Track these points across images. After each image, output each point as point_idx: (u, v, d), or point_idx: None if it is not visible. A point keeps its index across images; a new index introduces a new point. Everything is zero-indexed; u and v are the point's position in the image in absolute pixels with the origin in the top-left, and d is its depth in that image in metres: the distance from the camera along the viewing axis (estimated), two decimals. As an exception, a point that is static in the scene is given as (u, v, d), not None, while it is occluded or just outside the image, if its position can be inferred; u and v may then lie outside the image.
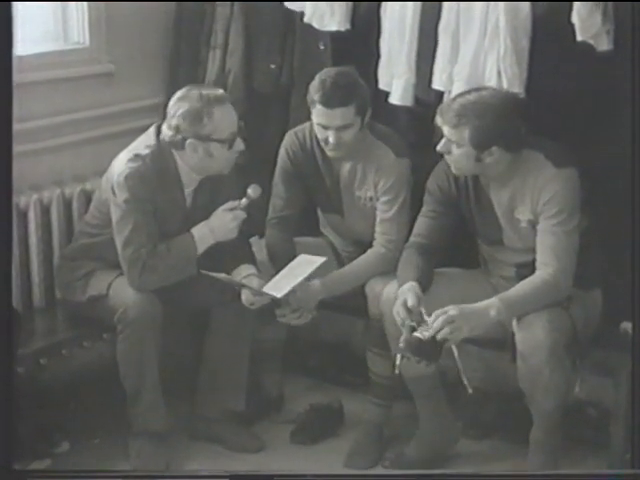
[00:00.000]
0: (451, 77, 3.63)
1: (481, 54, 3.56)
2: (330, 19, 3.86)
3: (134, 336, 3.53)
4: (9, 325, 2.88)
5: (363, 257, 3.74)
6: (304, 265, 3.60)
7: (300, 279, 3.54)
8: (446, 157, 3.39)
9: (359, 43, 3.88)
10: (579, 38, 3.37)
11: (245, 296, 3.61)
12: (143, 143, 3.59)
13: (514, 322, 3.30)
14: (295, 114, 4.06)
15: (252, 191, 3.63)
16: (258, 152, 3.93)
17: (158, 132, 3.58)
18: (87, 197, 3.99)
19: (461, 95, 3.36)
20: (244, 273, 3.65)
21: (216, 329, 3.79)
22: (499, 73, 3.52)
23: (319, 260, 3.60)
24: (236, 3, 4.15)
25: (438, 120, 3.35)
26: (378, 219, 3.73)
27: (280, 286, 3.55)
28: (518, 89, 3.50)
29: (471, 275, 3.63)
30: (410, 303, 3.24)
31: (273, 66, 4.16)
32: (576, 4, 3.34)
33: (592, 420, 3.73)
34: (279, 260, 3.71)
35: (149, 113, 4.17)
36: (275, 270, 3.66)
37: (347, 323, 4.21)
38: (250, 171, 3.82)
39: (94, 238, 3.71)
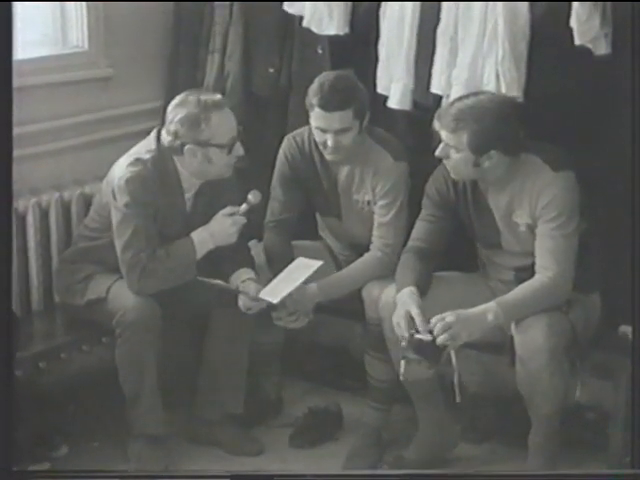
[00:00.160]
0: (449, 81, 3.62)
1: (479, 58, 3.56)
2: (329, 23, 3.86)
3: (133, 339, 3.53)
4: (8, 329, 2.88)
5: (360, 261, 3.74)
6: (301, 269, 3.60)
7: (297, 284, 3.55)
8: (444, 162, 3.39)
9: (358, 47, 3.88)
10: (577, 42, 3.37)
11: (242, 302, 3.61)
12: (144, 147, 3.60)
13: (513, 326, 3.30)
14: (293, 118, 4.06)
15: (252, 197, 3.63)
16: (256, 155, 3.92)
17: (158, 136, 3.58)
18: (86, 201, 3.99)
19: (459, 99, 3.37)
20: (242, 277, 3.66)
21: (215, 332, 3.79)
22: (497, 77, 3.52)
23: (316, 264, 3.60)
24: (235, 7, 4.15)
25: (436, 125, 3.35)
26: (376, 223, 3.73)
27: (277, 291, 3.55)
28: (516, 93, 3.50)
29: (469, 279, 3.63)
30: (413, 314, 3.24)
31: (272, 70, 4.16)
32: (575, 8, 3.34)
33: (591, 423, 3.73)
34: (277, 263, 3.71)
35: (148, 117, 4.18)
36: (272, 273, 3.67)
37: (345, 327, 4.21)
38: (248, 174, 3.82)
39: (93, 242, 3.71)
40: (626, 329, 3.16)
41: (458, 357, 3.24)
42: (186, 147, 3.52)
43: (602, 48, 3.39)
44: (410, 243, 3.54)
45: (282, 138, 3.89)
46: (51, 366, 3.64)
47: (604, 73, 3.42)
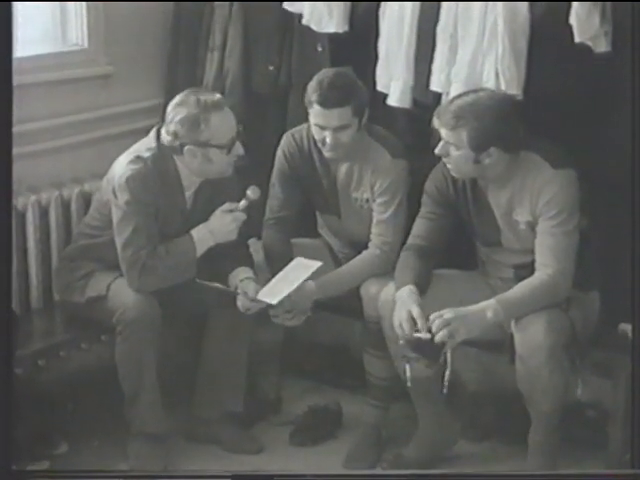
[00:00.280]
0: (449, 79, 3.62)
1: (479, 56, 3.56)
2: (328, 21, 3.86)
3: (133, 337, 3.53)
4: (7, 327, 2.87)
5: (358, 258, 3.74)
6: (300, 270, 3.60)
7: (295, 285, 3.54)
8: (444, 160, 3.39)
9: (357, 45, 3.88)
10: (577, 40, 3.37)
11: (241, 302, 3.61)
12: (144, 145, 3.60)
13: (513, 323, 3.30)
14: (293, 115, 4.06)
15: (251, 192, 3.63)
16: (256, 153, 3.92)
17: (158, 135, 3.58)
18: (85, 199, 3.99)
19: (458, 97, 3.37)
20: (241, 276, 3.65)
21: (214, 331, 3.79)
22: (497, 74, 3.51)
23: (315, 265, 3.60)
24: (235, 4, 4.15)
25: (435, 122, 3.35)
26: (374, 220, 3.73)
27: (275, 292, 3.55)
28: (516, 90, 3.50)
29: (469, 277, 3.63)
30: (415, 314, 3.24)
31: (271, 67, 4.15)
32: (574, 5, 3.34)
33: (591, 421, 3.73)
34: (276, 261, 3.71)
35: (147, 115, 4.18)
36: (271, 271, 3.67)
37: (344, 325, 4.21)
38: (248, 172, 3.82)
39: (94, 239, 3.71)
40: (626, 327, 3.16)
41: (457, 355, 3.24)
42: (186, 147, 3.52)
43: (602, 46, 3.38)
44: (410, 241, 3.54)
45: (282, 136, 3.88)
46: (50, 364, 3.64)
47: (604, 71, 3.42)
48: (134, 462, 3.64)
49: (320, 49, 3.99)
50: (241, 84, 4.19)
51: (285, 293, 3.53)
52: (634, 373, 2.98)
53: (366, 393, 3.80)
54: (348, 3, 3.84)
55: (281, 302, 3.53)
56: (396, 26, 3.73)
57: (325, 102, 3.55)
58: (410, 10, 3.68)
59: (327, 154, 3.69)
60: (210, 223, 3.62)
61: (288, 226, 3.86)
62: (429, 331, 3.18)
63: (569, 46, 3.38)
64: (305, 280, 3.57)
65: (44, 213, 3.92)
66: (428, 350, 3.18)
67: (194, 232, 3.60)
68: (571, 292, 3.32)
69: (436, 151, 3.37)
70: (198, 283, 3.55)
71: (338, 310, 3.91)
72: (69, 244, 3.88)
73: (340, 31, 3.86)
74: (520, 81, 3.51)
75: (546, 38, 3.47)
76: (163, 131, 3.56)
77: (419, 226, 3.53)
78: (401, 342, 3.24)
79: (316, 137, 3.67)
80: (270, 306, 3.56)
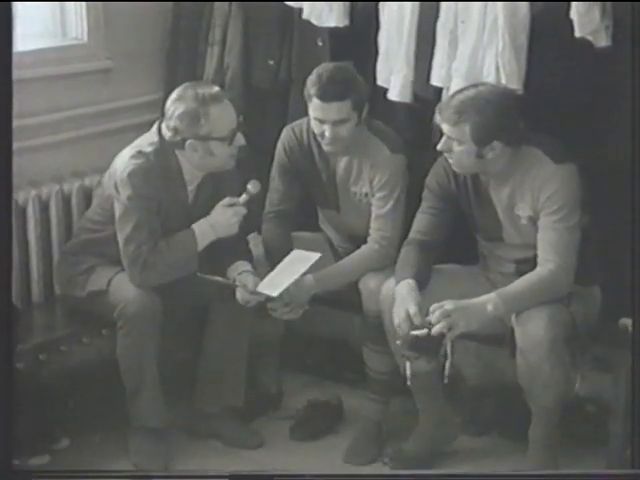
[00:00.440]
0: (450, 73, 3.62)
1: (480, 50, 3.55)
2: (328, 15, 3.86)
3: (134, 332, 3.53)
4: (8, 321, 2.87)
5: (357, 253, 3.74)
6: (299, 262, 3.60)
7: (295, 276, 3.55)
8: (446, 155, 3.38)
9: (357, 39, 3.88)
10: (578, 34, 3.36)
11: (240, 295, 3.61)
12: (146, 140, 3.59)
13: (513, 317, 3.30)
14: (293, 110, 4.05)
15: (252, 186, 3.63)
16: (257, 148, 3.92)
17: (160, 129, 3.58)
18: (86, 193, 3.99)
19: (459, 92, 3.36)
20: (240, 270, 3.65)
21: (214, 325, 3.79)
22: (498, 69, 3.52)
23: (314, 256, 3.60)
24: (234, -1, 4.16)
25: (437, 118, 3.35)
26: (373, 215, 3.73)
27: (275, 284, 3.55)
28: (516, 85, 3.50)
29: (470, 271, 3.63)
30: (411, 313, 3.24)
31: (271, 62, 4.15)
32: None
33: (591, 416, 3.73)
34: (275, 255, 3.71)
35: (147, 109, 4.19)
36: (271, 265, 3.67)
37: (345, 319, 4.21)
38: (249, 167, 3.82)
39: (96, 234, 3.71)
40: (626, 322, 3.16)
41: (457, 349, 3.24)
42: (187, 142, 3.51)
43: (602, 40, 3.38)
44: (411, 236, 3.53)
45: (282, 131, 3.88)
46: (51, 358, 3.64)
47: (604, 66, 3.42)
48: (135, 457, 3.65)
49: (320, 43, 3.98)
50: (241, 79, 4.18)
51: (285, 285, 3.53)
52: (634, 368, 2.97)
53: (366, 387, 3.80)
54: (348, -3, 3.85)
55: (280, 295, 3.53)
56: (396, 20, 3.72)
57: (324, 96, 3.55)
58: (410, 4, 3.68)
59: (326, 148, 3.69)
60: (211, 217, 3.62)
61: (288, 220, 3.87)
62: (429, 324, 3.18)
63: (569, 41, 3.38)
64: (304, 272, 3.57)
65: (45, 207, 3.92)
66: (426, 346, 3.18)
67: (195, 226, 3.60)
68: (572, 287, 3.32)
69: (438, 147, 3.36)
70: (199, 277, 3.55)
71: (338, 304, 3.92)
72: (70, 238, 3.88)
73: (340, 25, 3.86)
74: (520, 76, 3.51)
75: (546, 33, 3.47)
76: (164, 126, 3.56)
77: (420, 221, 3.53)
78: (398, 342, 3.24)
79: (315, 131, 3.67)
80: (269, 299, 3.56)
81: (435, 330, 3.16)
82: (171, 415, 3.75)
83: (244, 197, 3.63)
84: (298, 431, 3.89)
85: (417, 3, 3.67)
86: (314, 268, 3.61)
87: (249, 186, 3.63)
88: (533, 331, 3.23)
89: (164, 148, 3.56)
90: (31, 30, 3.96)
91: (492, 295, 3.25)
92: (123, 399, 3.66)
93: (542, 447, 3.39)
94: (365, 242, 3.74)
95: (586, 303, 3.40)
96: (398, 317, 3.26)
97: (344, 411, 3.99)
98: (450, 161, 3.39)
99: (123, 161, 3.55)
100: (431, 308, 3.20)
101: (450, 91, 3.55)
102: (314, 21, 3.90)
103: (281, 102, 4.17)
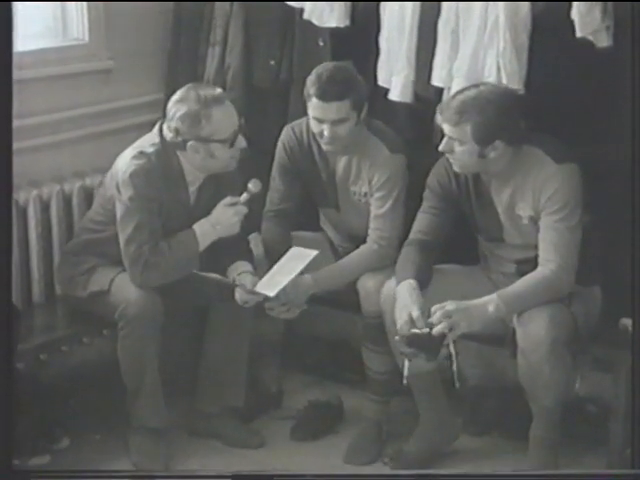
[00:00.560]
0: (450, 73, 3.62)
1: (481, 50, 3.55)
2: (329, 15, 3.86)
3: (135, 333, 3.53)
4: (9, 321, 2.87)
5: (356, 253, 3.74)
6: (297, 259, 3.60)
7: (293, 275, 3.54)
8: (448, 156, 3.38)
9: (358, 39, 3.88)
10: (579, 34, 3.36)
11: (239, 295, 3.60)
12: (148, 141, 3.59)
13: (515, 318, 3.30)
14: (294, 110, 4.05)
15: (253, 186, 3.63)
16: (257, 147, 3.92)
17: (161, 130, 3.58)
18: (87, 193, 4.00)
19: (460, 92, 3.36)
20: (239, 270, 3.66)
21: (215, 325, 3.79)
22: (499, 69, 3.51)
23: (312, 253, 3.60)
24: (235, -1, 4.16)
25: (438, 118, 3.35)
26: (372, 215, 3.74)
27: (273, 283, 3.55)
28: (518, 85, 3.50)
29: (471, 272, 3.63)
30: (414, 316, 3.23)
31: (272, 62, 4.15)
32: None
33: (592, 416, 3.73)
34: (275, 254, 3.71)
35: (148, 109, 4.19)
36: (270, 263, 3.66)
37: (345, 320, 4.20)
38: (250, 166, 3.82)
39: (97, 234, 3.71)
40: (626, 322, 3.16)
41: (459, 349, 3.24)
42: (188, 144, 3.51)
43: (603, 40, 3.38)
44: (411, 236, 3.53)
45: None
46: (52, 358, 3.64)
47: (605, 66, 3.42)
48: (135, 456, 3.65)
49: (321, 44, 3.99)
50: (242, 79, 4.18)
51: (283, 284, 3.52)
52: (634, 368, 2.98)
53: (366, 388, 3.80)
54: (349, -3, 3.85)
55: (277, 295, 3.53)
56: (397, 21, 3.72)
57: (323, 95, 3.55)
58: (411, 4, 3.68)
59: (325, 147, 3.69)
60: (212, 217, 3.62)
61: (288, 219, 3.87)
62: (431, 325, 3.18)
63: (570, 41, 3.38)
64: (302, 270, 3.56)
65: (45, 207, 3.93)
66: (425, 344, 3.18)
67: (197, 226, 3.60)
68: (573, 287, 3.32)
69: (440, 148, 3.36)
70: (196, 275, 3.54)
71: (339, 305, 3.92)
72: (70, 238, 3.88)
73: (341, 26, 3.86)
74: (521, 75, 3.51)
75: (547, 33, 3.47)
76: (165, 127, 3.56)
77: (421, 221, 3.53)
78: (397, 338, 3.24)
79: (314, 130, 3.67)
80: (267, 298, 3.56)
81: (436, 330, 3.16)
82: (171, 415, 3.75)
83: (245, 196, 3.63)
84: (298, 431, 3.89)
85: (418, 3, 3.67)
86: (313, 268, 3.61)
87: (250, 185, 3.63)
88: (534, 331, 3.23)
89: (166, 149, 3.56)
90: (32, 30, 3.96)
91: (493, 296, 3.25)
92: (123, 399, 3.66)
93: (543, 447, 3.39)
94: (365, 242, 3.74)
95: (587, 303, 3.39)
96: (400, 320, 3.26)
97: (344, 411, 4.00)
98: (452, 161, 3.39)
99: (125, 161, 3.55)
100: (432, 309, 3.20)
101: (451, 91, 3.54)
102: (315, 21, 3.90)
103: (282, 102, 4.17)
